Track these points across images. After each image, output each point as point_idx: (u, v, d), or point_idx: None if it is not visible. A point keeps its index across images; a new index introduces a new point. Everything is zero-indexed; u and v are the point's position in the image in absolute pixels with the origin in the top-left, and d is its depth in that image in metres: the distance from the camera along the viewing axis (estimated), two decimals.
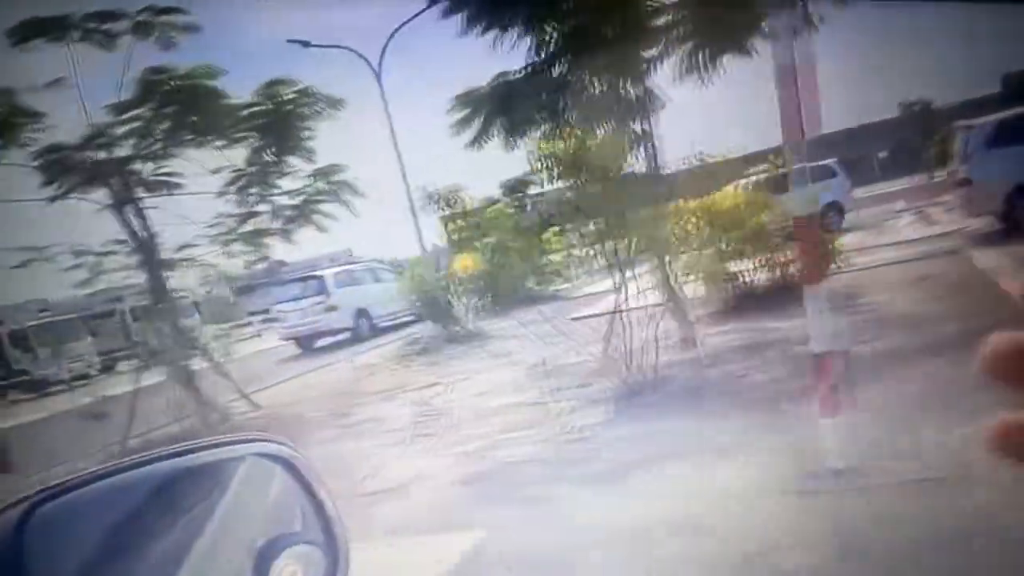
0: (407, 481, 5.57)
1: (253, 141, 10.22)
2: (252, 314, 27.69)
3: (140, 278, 10.19)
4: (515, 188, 19.58)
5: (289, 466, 0.90)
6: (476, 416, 7.13)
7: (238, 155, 10.24)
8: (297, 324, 17.00)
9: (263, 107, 10.12)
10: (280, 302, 17.43)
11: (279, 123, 10.19)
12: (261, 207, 10.74)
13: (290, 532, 0.89)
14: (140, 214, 9.65)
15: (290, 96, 10.25)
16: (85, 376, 19.53)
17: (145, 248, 9.68)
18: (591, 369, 7.46)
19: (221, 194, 10.31)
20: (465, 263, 15.02)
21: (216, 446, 0.88)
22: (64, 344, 21.81)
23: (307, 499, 0.90)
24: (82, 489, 0.71)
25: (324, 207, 11.15)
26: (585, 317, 10.61)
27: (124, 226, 9.56)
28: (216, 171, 10.05)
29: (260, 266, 14.75)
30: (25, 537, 0.63)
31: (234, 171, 10.26)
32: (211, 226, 10.36)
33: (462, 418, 7.21)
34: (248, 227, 10.75)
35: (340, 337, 17.12)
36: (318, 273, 18.05)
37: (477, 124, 12.07)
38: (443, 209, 16.56)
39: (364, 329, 17.14)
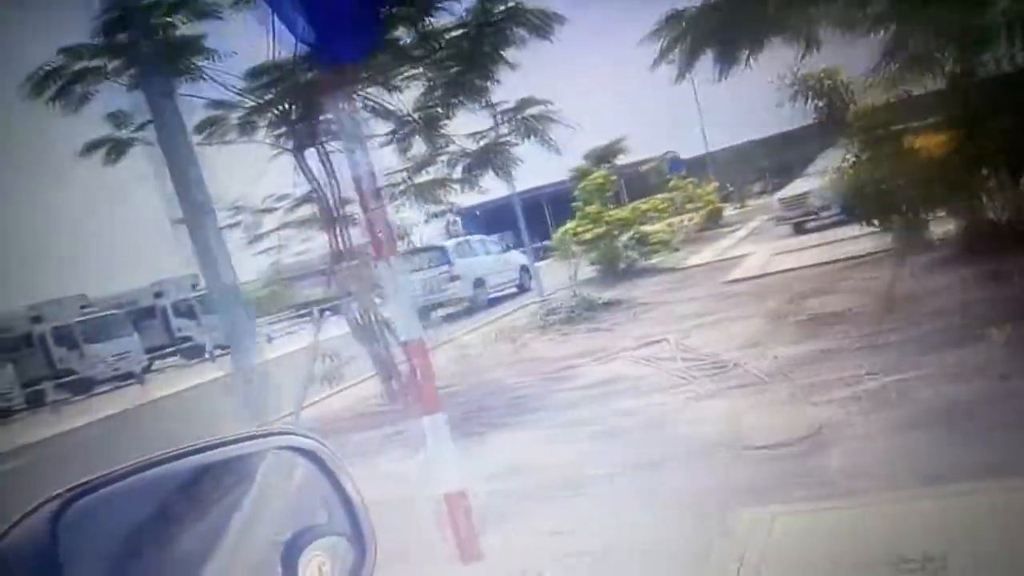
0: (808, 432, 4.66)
1: (438, 75, 8.72)
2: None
3: (307, 237, 9.59)
4: (603, 158, 19.16)
5: (315, 458, 0.91)
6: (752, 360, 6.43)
7: (410, 97, 8.91)
8: (420, 295, 16.95)
9: (461, 31, 8.44)
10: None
11: (475, 51, 8.52)
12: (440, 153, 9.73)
13: (317, 524, 0.89)
14: (326, 159, 8.33)
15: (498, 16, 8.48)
16: (130, 375, 20.15)
17: (327, 200, 8.39)
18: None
19: (396, 140, 9.23)
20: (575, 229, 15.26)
21: (243, 440, 0.88)
22: (112, 340, 21.67)
23: (333, 491, 0.91)
24: (113, 485, 0.72)
25: (514, 149, 10.17)
26: (743, 280, 10.60)
27: (305, 173, 8.32)
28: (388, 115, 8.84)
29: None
30: (59, 532, 0.64)
31: (405, 114, 9.01)
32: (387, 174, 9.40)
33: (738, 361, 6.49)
34: (427, 176, 10.02)
35: (451, 309, 17.36)
36: (440, 244, 18.45)
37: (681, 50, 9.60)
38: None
39: (480, 300, 17.49)
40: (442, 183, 10.94)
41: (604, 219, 15.43)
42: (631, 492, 4.37)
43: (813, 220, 14.58)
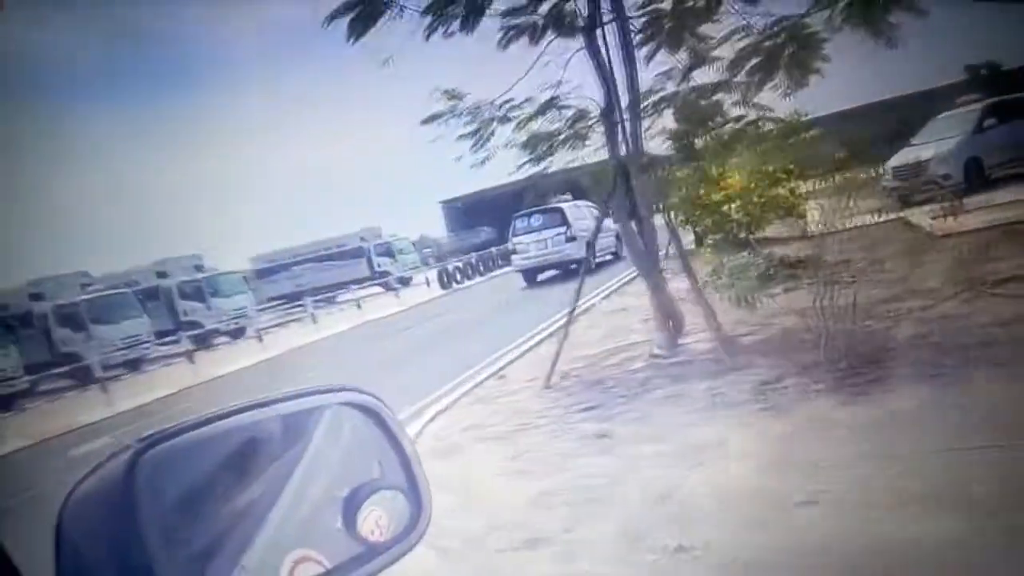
0: None
1: None
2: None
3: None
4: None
5: (373, 415, 0.94)
6: None
7: None
8: (538, 254, 17.78)
9: None
10: (519, 234, 18.18)
11: None
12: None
13: (376, 478, 0.93)
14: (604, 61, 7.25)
15: None
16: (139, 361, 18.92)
17: (609, 104, 7.37)
18: None
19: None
20: None
21: (306, 395, 0.92)
22: (121, 323, 20.25)
23: (390, 447, 0.95)
24: (186, 434, 0.76)
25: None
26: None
27: (599, 70, 7.24)
28: None
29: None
30: (135, 479, 0.68)
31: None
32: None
33: None
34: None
35: (550, 273, 17.77)
36: (557, 204, 18.65)
37: None
38: None
39: (592, 263, 18.10)
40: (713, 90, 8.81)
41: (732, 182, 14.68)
42: None
43: (933, 190, 14.25)
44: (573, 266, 17.55)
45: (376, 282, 30.20)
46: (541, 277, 18.08)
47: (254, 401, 0.85)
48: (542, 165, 9.22)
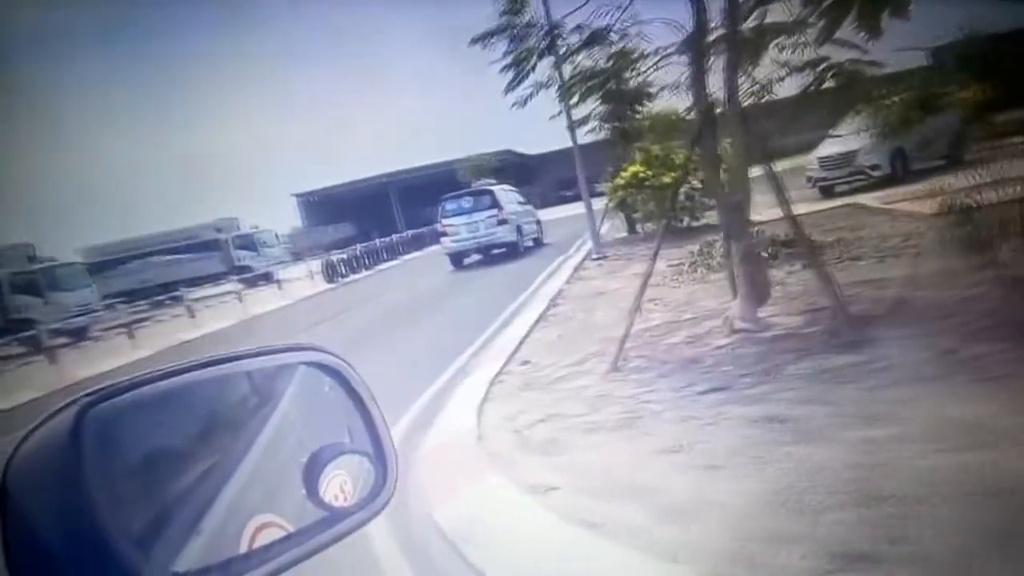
0: None
1: None
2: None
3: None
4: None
5: (339, 377, 0.91)
6: None
7: None
8: (469, 237, 17.39)
9: None
10: (448, 216, 17.71)
11: None
12: None
13: (340, 442, 0.90)
14: None
15: None
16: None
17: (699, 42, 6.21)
18: None
19: None
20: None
21: (268, 353, 0.87)
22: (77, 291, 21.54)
23: (357, 410, 0.91)
24: (140, 389, 0.71)
25: None
26: None
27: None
28: None
29: None
30: (81, 437, 0.63)
31: None
32: None
33: None
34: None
35: (475, 257, 17.39)
36: (487, 187, 18.56)
37: None
38: None
39: (521, 247, 17.83)
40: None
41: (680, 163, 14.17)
42: None
43: (861, 180, 14.58)
44: (497, 250, 17.46)
45: (242, 277, 27.19)
46: (467, 261, 17.79)
47: (214, 356, 0.80)
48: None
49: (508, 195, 18.51)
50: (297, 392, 0.93)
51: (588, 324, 7.98)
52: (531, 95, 7.08)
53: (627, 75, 9.57)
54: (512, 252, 17.38)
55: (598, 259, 13.06)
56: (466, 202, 17.75)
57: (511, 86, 7.32)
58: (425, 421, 5.57)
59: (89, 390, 0.68)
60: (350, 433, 0.91)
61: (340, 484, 0.85)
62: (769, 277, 6.40)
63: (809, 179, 15.66)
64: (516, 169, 37.18)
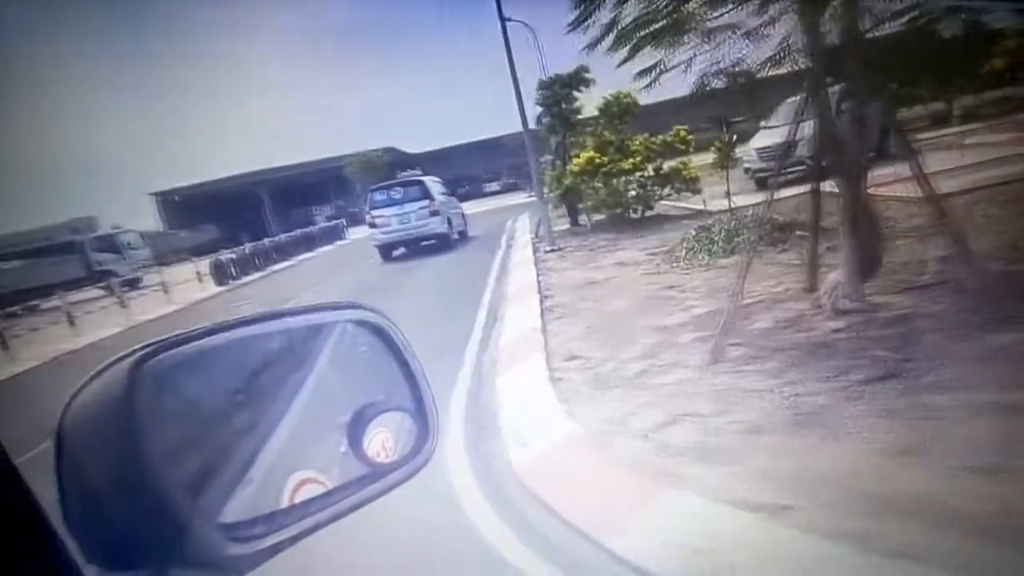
0: None
1: None
2: None
3: None
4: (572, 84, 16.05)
5: (382, 335, 0.94)
6: None
7: None
8: (401, 228, 16.76)
9: None
10: (378, 207, 17.13)
11: None
12: None
13: (382, 399, 0.91)
14: None
15: None
16: None
17: None
18: None
19: None
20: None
21: (312, 311, 0.91)
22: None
23: (399, 368, 0.94)
24: (190, 344, 0.73)
25: None
26: None
27: None
28: None
29: None
30: (136, 389, 0.65)
31: None
32: None
33: None
34: None
35: (401, 250, 16.84)
36: (418, 177, 18.02)
37: None
38: None
39: (452, 239, 17.49)
40: None
41: (636, 149, 13.64)
42: None
43: (798, 172, 14.55)
44: (427, 242, 17.04)
45: (103, 284, 24.23)
46: (395, 253, 17.30)
47: (262, 313, 0.83)
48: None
49: (436, 186, 18.09)
50: (339, 348, 0.93)
51: (609, 314, 7.38)
52: (601, 37, 6.09)
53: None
54: (442, 244, 17.02)
55: (552, 251, 12.27)
56: (396, 193, 17.19)
57: (578, 22, 6.28)
58: (518, 437, 4.51)
59: (146, 342, 0.69)
60: (388, 391, 0.93)
61: (382, 441, 0.87)
62: (882, 249, 5.69)
63: (747, 170, 15.63)
64: (400, 168, 37.24)
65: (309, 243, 29.24)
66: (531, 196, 30.34)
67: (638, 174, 13.73)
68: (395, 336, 0.93)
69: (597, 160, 13.85)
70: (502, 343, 7.02)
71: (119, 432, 0.64)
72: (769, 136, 14.43)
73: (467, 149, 48.74)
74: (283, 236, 28.36)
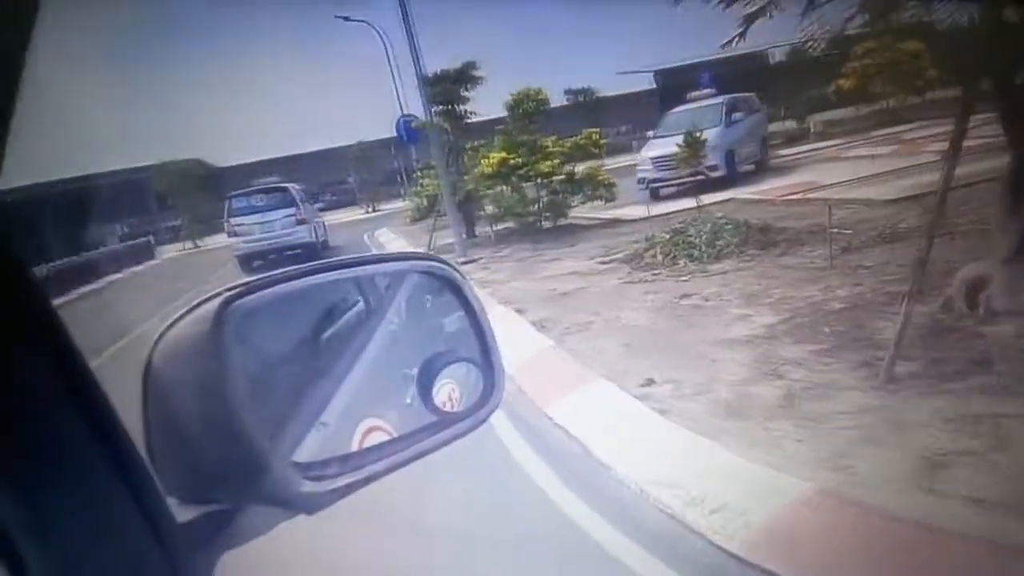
0: None
1: None
2: None
3: None
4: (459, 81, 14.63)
5: (455, 287, 0.94)
6: None
7: None
8: (264, 237, 15.66)
9: None
10: (238, 215, 16.03)
11: None
12: None
13: (451, 350, 0.93)
14: None
15: None
16: None
17: None
18: None
19: None
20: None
21: (390, 260, 1.04)
22: None
23: (468, 320, 0.94)
24: (274, 288, 0.75)
25: None
26: None
27: None
28: None
29: None
30: (224, 328, 0.67)
31: None
32: None
33: None
34: None
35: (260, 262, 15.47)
36: (282, 184, 17.21)
37: None
38: None
39: (319, 248, 16.49)
40: None
41: (553, 150, 12.70)
42: None
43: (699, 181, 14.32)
44: (291, 252, 15.74)
45: None
46: (256, 264, 15.71)
47: (340, 260, 0.84)
48: None
49: (300, 193, 17.19)
50: (415, 295, 0.96)
51: (639, 329, 6.26)
52: None
53: None
54: (309, 255, 15.65)
55: (468, 261, 11.44)
56: (258, 200, 16.22)
57: None
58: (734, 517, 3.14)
59: (232, 284, 0.71)
60: (456, 342, 0.94)
61: (448, 392, 0.88)
62: None
63: (641, 180, 15.23)
64: (205, 181, 35.05)
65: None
66: (369, 212, 28.71)
67: (555, 178, 12.89)
68: (466, 289, 0.94)
69: (512, 161, 12.63)
70: (516, 366, 5.47)
71: (205, 368, 0.66)
72: (663, 146, 14.31)
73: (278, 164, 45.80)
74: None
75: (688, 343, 5.50)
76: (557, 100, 22.43)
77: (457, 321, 0.93)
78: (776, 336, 5.27)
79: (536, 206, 12.89)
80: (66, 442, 0.56)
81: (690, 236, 8.63)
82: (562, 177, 13.01)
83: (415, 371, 0.88)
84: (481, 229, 14.40)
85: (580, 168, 13.35)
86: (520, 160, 12.55)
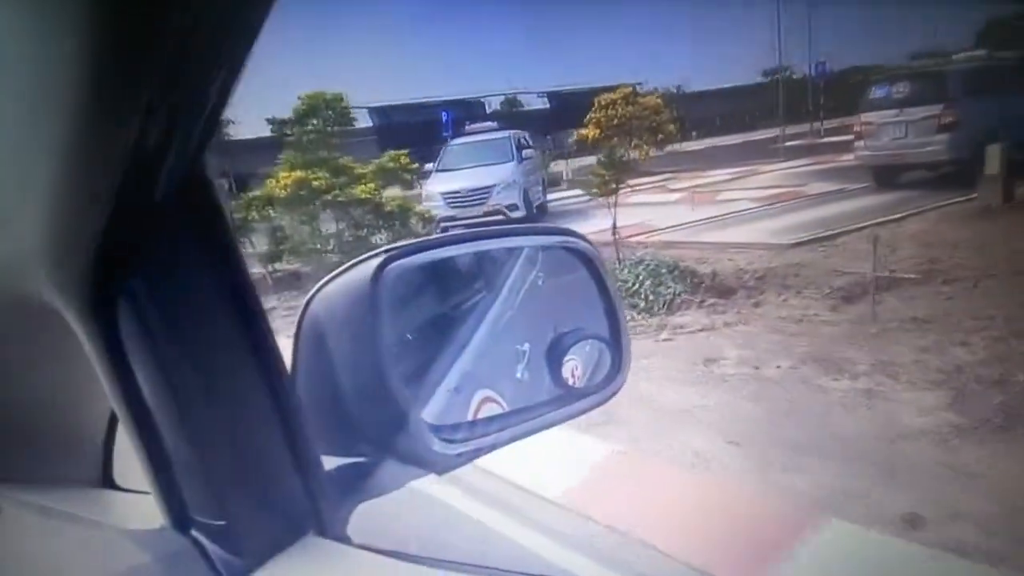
0: None
1: None
2: None
3: None
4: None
5: (590, 263, 0.95)
6: None
7: None
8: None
9: None
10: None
11: None
12: None
13: (580, 327, 0.93)
14: None
15: None
16: None
17: None
18: None
19: None
20: None
21: (533, 233, 0.99)
22: None
23: (601, 298, 0.95)
24: (424, 253, 0.79)
25: None
26: None
27: None
28: None
29: None
30: (380, 284, 0.71)
31: None
32: None
33: None
34: None
35: None
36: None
37: None
38: None
39: None
40: None
41: (365, 172, 10.33)
42: None
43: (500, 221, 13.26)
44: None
45: None
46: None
47: (487, 230, 0.87)
48: None
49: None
50: (552, 269, 0.97)
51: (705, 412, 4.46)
52: None
53: None
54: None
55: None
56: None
57: None
58: None
59: (390, 245, 0.75)
60: (587, 319, 0.94)
61: (572, 368, 0.89)
62: None
63: (431, 218, 14.17)
64: None
65: None
66: None
67: (357, 209, 10.28)
68: (599, 265, 0.95)
69: (314, 183, 9.83)
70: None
71: (361, 323, 0.69)
72: (454, 180, 13.50)
73: None
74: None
75: (851, 439, 3.65)
76: None
77: (593, 297, 0.93)
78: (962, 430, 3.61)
79: (332, 243, 10.12)
80: (237, 379, 0.60)
81: (626, 282, 6.79)
82: (366, 208, 10.35)
83: (526, 347, 0.91)
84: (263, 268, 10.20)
85: (386, 196, 10.96)
86: (324, 182, 9.79)
